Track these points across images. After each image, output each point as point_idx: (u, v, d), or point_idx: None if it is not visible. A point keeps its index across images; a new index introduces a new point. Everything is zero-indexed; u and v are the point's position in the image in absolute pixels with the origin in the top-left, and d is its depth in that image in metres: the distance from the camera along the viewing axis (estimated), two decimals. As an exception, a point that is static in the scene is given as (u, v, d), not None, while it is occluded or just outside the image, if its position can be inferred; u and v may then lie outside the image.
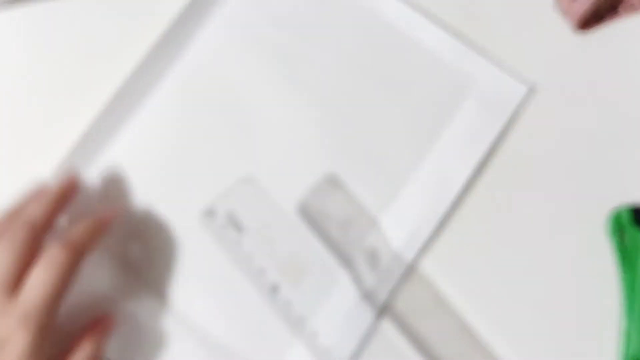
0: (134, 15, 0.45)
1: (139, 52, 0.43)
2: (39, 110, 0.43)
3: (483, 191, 0.42)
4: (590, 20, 0.44)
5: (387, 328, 0.40)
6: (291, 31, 0.44)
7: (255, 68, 0.43)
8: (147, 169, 0.42)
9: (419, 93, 0.43)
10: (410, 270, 0.40)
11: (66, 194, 0.38)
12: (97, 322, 0.38)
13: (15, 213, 0.36)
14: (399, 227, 0.41)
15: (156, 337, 0.39)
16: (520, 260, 0.41)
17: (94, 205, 0.41)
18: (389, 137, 0.43)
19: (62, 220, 0.39)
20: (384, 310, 0.40)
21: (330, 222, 0.41)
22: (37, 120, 0.43)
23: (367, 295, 0.39)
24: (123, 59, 0.43)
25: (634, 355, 0.39)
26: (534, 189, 0.42)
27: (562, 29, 0.44)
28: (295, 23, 0.44)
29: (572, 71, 0.44)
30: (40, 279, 0.33)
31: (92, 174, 0.41)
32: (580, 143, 0.43)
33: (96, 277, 0.39)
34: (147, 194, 0.41)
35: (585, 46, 0.44)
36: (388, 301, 0.40)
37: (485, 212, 0.42)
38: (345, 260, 0.40)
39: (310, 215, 0.41)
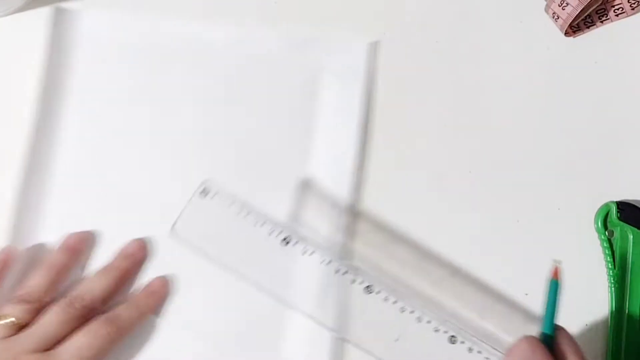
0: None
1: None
2: None
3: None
4: (581, 25, 0.45)
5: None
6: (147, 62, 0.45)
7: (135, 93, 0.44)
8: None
9: (279, 93, 0.44)
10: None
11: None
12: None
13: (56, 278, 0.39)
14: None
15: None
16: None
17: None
18: (270, 142, 0.43)
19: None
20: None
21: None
22: None
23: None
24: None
25: (625, 349, 0.40)
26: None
27: (553, 33, 0.45)
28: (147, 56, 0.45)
29: (563, 74, 0.45)
30: (79, 343, 0.36)
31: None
32: (567, 142, 0.44)
33: None
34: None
35: (575, 50, 0.45)
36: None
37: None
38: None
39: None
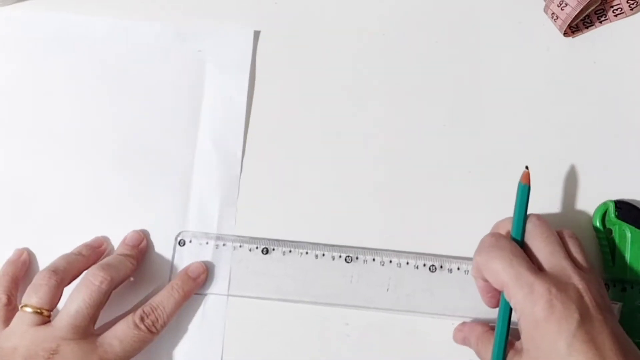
0: None
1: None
2: None
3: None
4: (580, 25, 0.45)
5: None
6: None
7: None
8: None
9: (164, 85, 0.45)
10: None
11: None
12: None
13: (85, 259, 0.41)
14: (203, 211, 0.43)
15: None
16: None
17: None
18: (156, 134, 0.44)
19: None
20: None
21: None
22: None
23: None
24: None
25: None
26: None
27: (552, 33, 0.45)
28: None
29: (562, 74, 0.45)
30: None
31: None
32: (566, 142, 0.44)
33: None
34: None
35: (574, 50, 0.45)
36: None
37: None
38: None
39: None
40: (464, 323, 0.41)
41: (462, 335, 0.40)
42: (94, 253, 0.42)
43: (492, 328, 0.38)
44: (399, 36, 0.45)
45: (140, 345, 0.39)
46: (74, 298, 0.38)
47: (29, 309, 0.38)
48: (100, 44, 0.45)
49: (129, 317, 0.39)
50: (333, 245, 0.43)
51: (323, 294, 0.42)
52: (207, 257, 0.42)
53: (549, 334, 0.33)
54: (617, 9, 0.45)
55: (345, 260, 0.42)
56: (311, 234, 0.43)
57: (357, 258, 0.42)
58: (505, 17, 0.46)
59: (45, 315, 0.38)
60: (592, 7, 0.44)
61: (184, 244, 0.43)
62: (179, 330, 0.42)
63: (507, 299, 0.35)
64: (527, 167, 0.38)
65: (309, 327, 0.42)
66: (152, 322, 0.39)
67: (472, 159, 0.44)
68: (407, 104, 0.45)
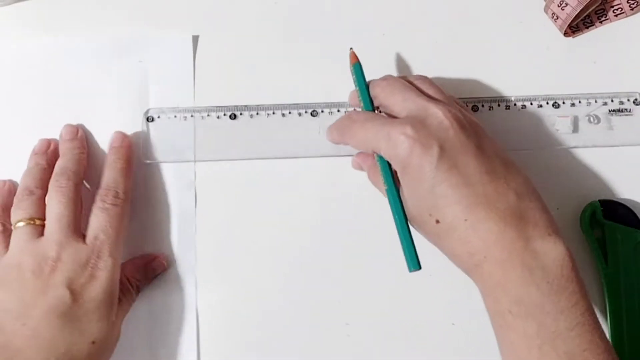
0: None
1: None
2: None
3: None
4: (580, 25, 0.45)
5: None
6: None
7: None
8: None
9: (108, 102, 0.45)
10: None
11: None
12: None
13: (42, 169, 0.42)
14: None
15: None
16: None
17: None
18: (103, 145, 0.44)
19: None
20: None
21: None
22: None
23: None
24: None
25: (628, 347, 0.41)
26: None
27: (552, 33, 0.46)
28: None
29: (562, 74, 0.45)
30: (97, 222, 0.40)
31: None
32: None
33: None
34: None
35: (574, 50, 0.46)
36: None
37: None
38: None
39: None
40: (359, 153, 0.41)
41: (357, 164, 0.42)
42: (50, 157, 0.43)
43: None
44: (399, 36, 0.46)
45: (120, 220, 0.40)
46: (51, 206, 0.40)
47: (21, 224, 0.39)
48: (36, 65, 0.45)
49: (93, 209, 0.40)
50: (298, 104, 0.45)
51: (291, 148, 0.44)
52: (177, 129, 0.44)
53: (415, 172, 0.34)
54: (617, 9, 0.45)
55: (312, 114, 0.44)
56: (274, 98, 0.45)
57: (322, 111, 0.44)
58: (506, 17, 0.46)
59: (38, 225, 0.39)
60: (593, 7, 0.44)
61: (152, 120, 0.44)
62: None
63: (379, 156, 0.37)
64: (351, 48, 0.41)
65: (309, 327, 0.43)
66: (114, 197, 0.41)
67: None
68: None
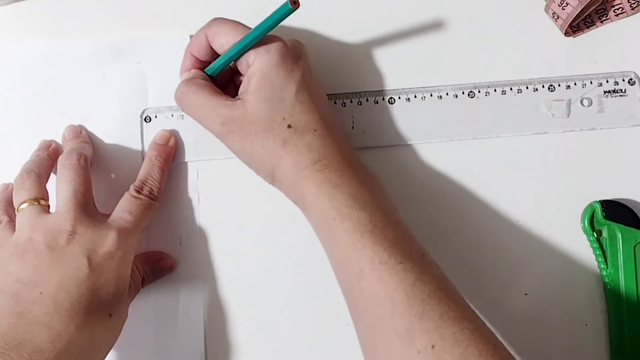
0: None
1: None
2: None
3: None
4: (581, 25, 0.45)
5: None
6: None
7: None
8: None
9: (108, 105, 0.45)
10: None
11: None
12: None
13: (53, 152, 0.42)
14: None
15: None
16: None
17: None
18: (103, 149, 0.44)
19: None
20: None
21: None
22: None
23: None
24: None
25: (628, 346, 0.41)
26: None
27: (553, 33, 0.46)
28: None
29: (563, 74, 0.45)
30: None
31: None
32: (559, 144, 0.44)
33: None
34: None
35: (575, 50, 0.46)
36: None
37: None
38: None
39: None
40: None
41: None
42: (51, 152, 0.42)
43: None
44: (399, 36, 0.46)
45: (148, 212, 0.40)
46: (63, 184, 0.39)
47: (25, 204, 0.38)
48: (33, 70, 0.45)
49: (126, 194, 0.40)
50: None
51: None
52: (174, 129, 0.44)
53: (281, 77, 0.38)
54: (618, 9, 0.45)
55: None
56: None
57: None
58: (506, 16, 0.46)
59: (43, 205, 0.38)
60: (593, 7, 0.44)
61: (149, 120, 0.44)
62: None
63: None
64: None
65: (309, 327, 0.43)
66: (149, 191, 0.41)
67: (470, 160, 0.44)
68: (406, 102, 0.46)
